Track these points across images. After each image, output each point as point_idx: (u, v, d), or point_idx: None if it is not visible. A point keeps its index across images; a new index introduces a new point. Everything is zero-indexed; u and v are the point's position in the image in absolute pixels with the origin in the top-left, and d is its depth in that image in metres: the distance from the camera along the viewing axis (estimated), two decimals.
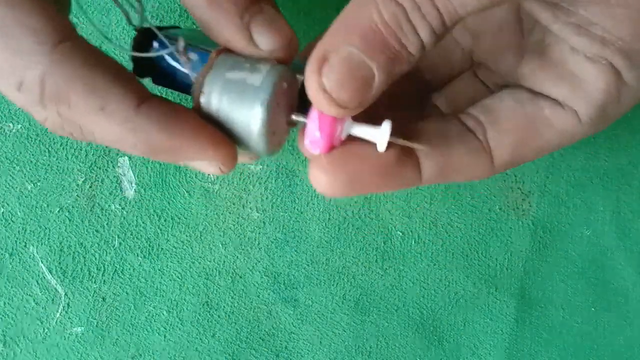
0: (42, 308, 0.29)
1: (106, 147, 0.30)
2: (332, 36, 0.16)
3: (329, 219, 0.31)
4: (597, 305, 0.33)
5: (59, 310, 0.30)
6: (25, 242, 0.29)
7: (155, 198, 0.30)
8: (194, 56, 0.19)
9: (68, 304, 0.30)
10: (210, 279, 0.30)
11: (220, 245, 0.31)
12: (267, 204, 0.31)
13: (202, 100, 0.18)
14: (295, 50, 0.19)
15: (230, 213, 0.31)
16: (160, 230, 0.30)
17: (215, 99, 0.18)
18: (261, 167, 0.31)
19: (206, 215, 0.30)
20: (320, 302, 0.31)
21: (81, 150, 0.30)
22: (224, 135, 0.18)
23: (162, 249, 0.30)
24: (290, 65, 0.19)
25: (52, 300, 0.30)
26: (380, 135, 0.19)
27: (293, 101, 0.20)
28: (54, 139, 0.29)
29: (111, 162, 0.30)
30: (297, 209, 0.31)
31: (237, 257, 0.31)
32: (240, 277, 0.31)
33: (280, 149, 0.21)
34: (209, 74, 0.18)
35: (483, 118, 0.20)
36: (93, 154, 0.30)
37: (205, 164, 0.19)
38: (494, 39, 0.23)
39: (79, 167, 0.30)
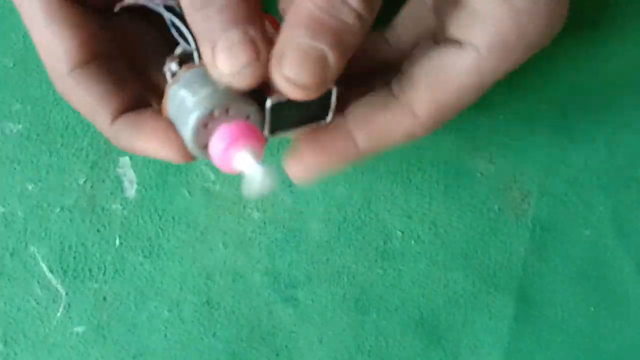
0: (43, 308, 0.30)
1: (107, 147, 0.30)
2: (283, 35, 0.19)
3: (329, 219, 0.31)
4: (597, 305, 0.33)
5: (60, 310, 0.30)
6: (26, 242, 0.29)
7: (156, 198, 0.30)
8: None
9: (69, 304, 0.30)
10: (211, 279, 0.31)
11: (221, 245, 0.31)
12: (267, 204, 0.31)
13: (164, 106, 0.22)
14: (251, 78, 0.19)
15: (230, 213, 0.31)
16: (161, 230, 0.30)
17: (169, 109, 0.21)
18: None
19: (207, 215, 0.30)
20: (320, 301, 0.31)
21: (82, 150, 0.30)
22: (175, 138, 0.21)
23: (163, 248, 0.30)
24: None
25: (53, 300, 0.30)
26: (253, 175, 0.20)
27: (237, 118, 0.21)
28: (54, 139, 0.30)
29: (112, 162, 0.30)
30: (297, 209, 0.31)
31: (238, 256, 0.31)
32: (241, 277, 0.31)
33: None
34: (172, 87, 0.21)
35: (404, 80, 0.22)
36: (94, 154, 0.30)
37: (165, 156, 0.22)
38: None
39: (80, 167, 0.30)
